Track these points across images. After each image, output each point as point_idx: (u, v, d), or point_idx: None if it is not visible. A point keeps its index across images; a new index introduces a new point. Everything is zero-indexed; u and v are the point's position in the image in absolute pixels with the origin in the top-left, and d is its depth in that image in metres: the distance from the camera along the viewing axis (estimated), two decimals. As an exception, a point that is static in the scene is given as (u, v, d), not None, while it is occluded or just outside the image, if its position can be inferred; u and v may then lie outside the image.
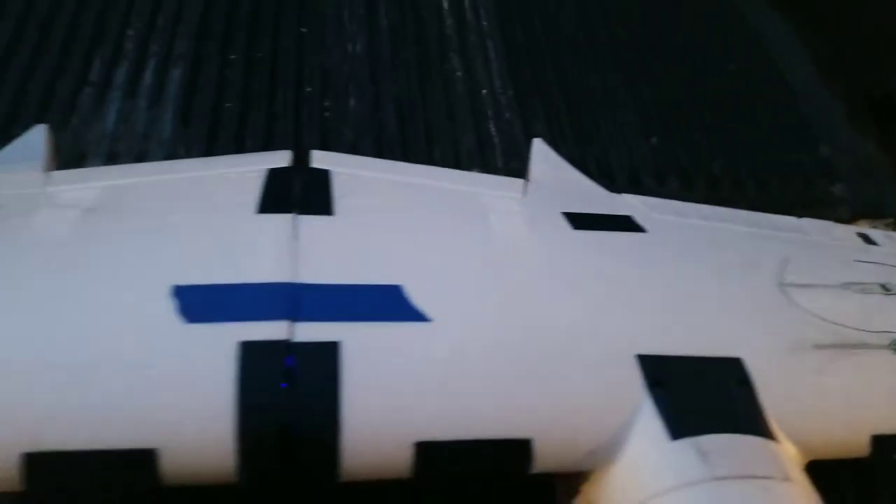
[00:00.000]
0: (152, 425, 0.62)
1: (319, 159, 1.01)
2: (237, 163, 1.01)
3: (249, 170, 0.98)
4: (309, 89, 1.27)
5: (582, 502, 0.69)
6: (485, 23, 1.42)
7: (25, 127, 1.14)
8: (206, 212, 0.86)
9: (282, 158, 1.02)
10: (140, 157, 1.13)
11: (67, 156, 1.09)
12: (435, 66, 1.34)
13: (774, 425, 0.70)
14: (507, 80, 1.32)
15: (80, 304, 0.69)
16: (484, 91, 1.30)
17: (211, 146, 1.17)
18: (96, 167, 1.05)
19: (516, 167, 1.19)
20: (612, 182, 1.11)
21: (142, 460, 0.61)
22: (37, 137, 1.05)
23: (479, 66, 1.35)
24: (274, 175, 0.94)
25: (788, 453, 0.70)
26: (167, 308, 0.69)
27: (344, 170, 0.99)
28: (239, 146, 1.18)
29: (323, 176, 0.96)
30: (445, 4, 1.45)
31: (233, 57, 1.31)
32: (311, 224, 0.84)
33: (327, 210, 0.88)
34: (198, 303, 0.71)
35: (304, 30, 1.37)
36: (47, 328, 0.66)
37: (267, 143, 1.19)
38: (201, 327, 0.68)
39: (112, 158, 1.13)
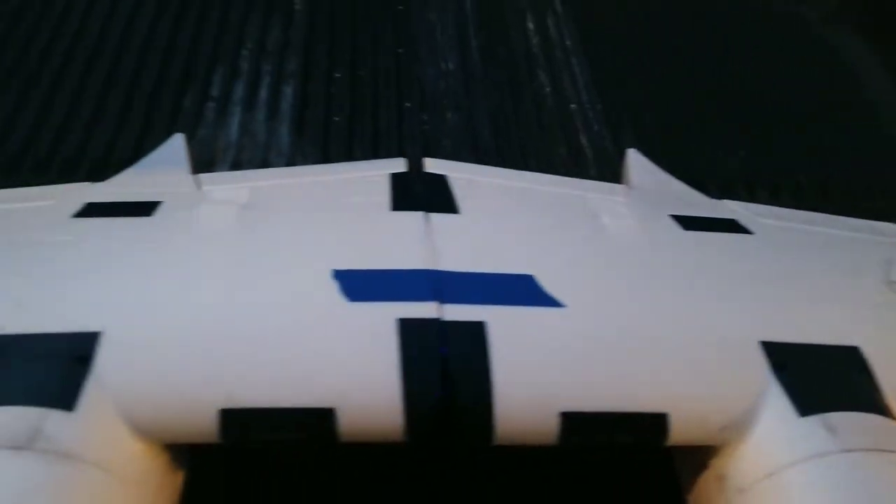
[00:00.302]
0: (330, 387, 0.69)
1: (432, 165, 1.09)
2: (360, 169, 1.09)
3: (373, 174, 1.06)
4: (408, 104, 1.36)
5: (710, 476, 0.74)
6: (568, 42, 1.50)
7: (157, 137, 1.26)
8: (347, 209, 0.95)
9: (398, 165, 1.10)
10: (263, 165, 1.22)
11: (198, 162, 1.18)
12: (524, 81, 1.42)
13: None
14: (594, 94, 1.39)
15: (258, 284, 0.77)
16: (573, 105, 1.37)
17: (325, 155, 1.25)
18: (237, 171, 1.15)
19: (609, 177, 1.25)
20: (704, 192, 1.16)
21: (322, 418, 0.68)
22: (176, 145, 1.16)
23: (566, 81, 1.42)
24: (397, 178, 1.03)
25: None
26: (331, 288, 0.77)
27: (458, 174, 1.07)
28: (349, 156, 1.26)
29: (441, 180, 1.04)
30: (531, 25, 1.53)
31: (337, 75, 1.40)
32: (441, 221, 0.91)
33: (453, 209, 0.95)
34: (356, 285, 0.78)
35: (400, 50, 1.46)
36: (234, 302, 0.74)
37: (374, 153, 1.27)
38: (363, 305, 0.76)
39: (237, 166, 1.22)
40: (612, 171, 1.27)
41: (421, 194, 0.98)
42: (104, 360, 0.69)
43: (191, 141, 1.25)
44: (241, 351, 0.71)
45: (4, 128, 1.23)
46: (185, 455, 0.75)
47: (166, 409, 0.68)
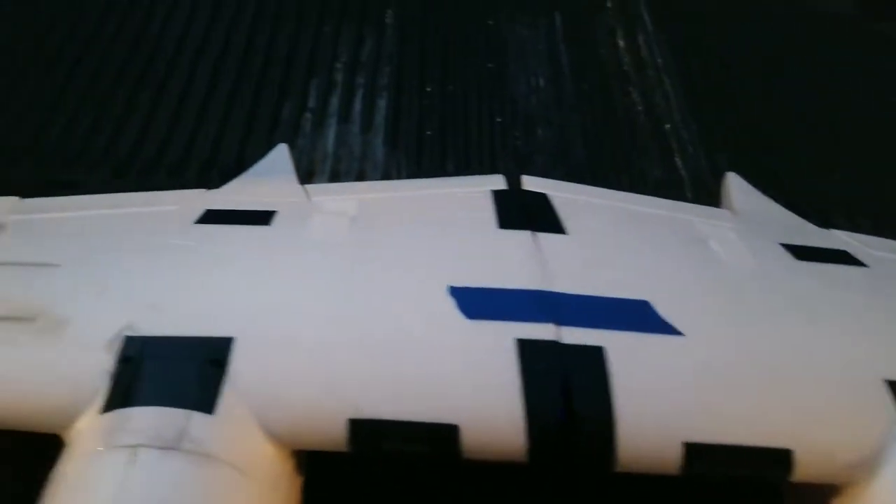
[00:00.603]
0: (454, 404, 0.71)
1: (531, 183, 1.10)
2: (459, 184, 1.10)
3: (474, 190, 1.08)
4: (499, 119, 1.37)
5: (830, 517, 0.73)
6: (660, 60, 1.49)
7: (257, 146, 1.30)
8: (454, 225, 0.96)
9: (497, 182, 1.12)
10: (359, 177, 1.25)
11: (298, 172, 1.20)
12: (616, 99, 1.42)
13: None
14: (688, 115, 1.38)
15: (379, 296, 0.79)
16: (667, 126, 1.36)
17: (419, 168, 1.27)
18: (341, 183, 1.17)
19: (706, 200, 1.24)
20: (805, 218, 1.14)
21: (447, 434, 0.69)
22: (281, 155, 1.19)
23: (659, 100, 1.41)
24: (499, 196, 1.04)
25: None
26: (449, 305, 0.79)
27: (558, 193, 1.07)
28: (442, 169, 1.28)
29: (542, 198, 1.05)
30: (621, 42, 1.53)
31: (429, 89, 1.43)
32: (550, 240, 0.92)
33: (559, 229, 0.96)
34: (473, 302, 0.80)
35: (490, 65, 1.48)
36: (356, 313, 0.76)
37: (466, 167, 1.28)
38: (481, 324, 0.77)
39: (335, 176, 1.25)
40: (707, 194, 1.26)
41: (525, 212, 0.98)
42: (238, 365, 0.72)
43: (290, 150, 1.28)
44: (367, 363, 0.73)
45: (114, 132, 1.28)
46: (304, 461, 0.77)
47: (298, 416, 0.70)
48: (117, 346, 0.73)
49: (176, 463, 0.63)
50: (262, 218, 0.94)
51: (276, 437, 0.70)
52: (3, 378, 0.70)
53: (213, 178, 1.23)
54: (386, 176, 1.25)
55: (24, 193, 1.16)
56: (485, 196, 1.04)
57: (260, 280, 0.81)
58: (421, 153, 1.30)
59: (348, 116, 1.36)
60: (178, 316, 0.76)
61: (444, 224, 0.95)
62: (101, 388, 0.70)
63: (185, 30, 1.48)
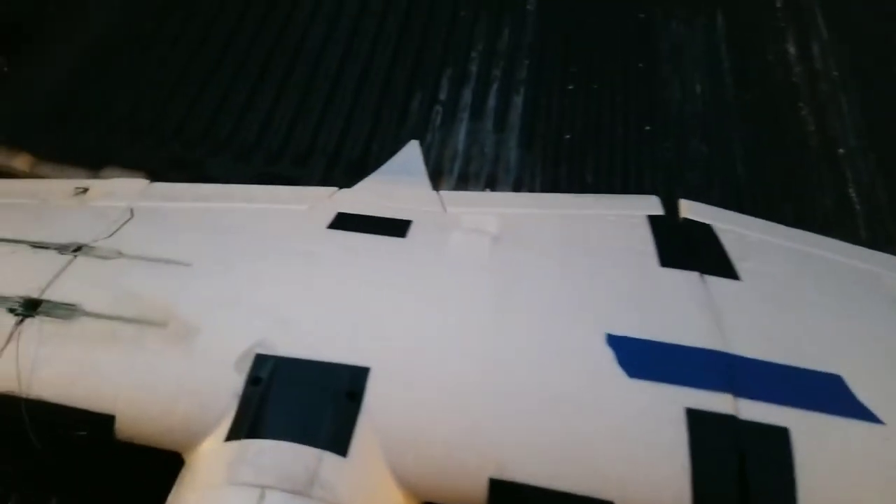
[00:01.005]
0: (610, 476, 0.62)
1: (690, 210, 0.98)
2: (608, 205, 0.99)
3: (627, 214, 0.97)
4: (648, 128, 1.24)
5: None
6: (836, 73, 1.32)
7: (384, 139, 1.23)
8: (609, 257, 0.86)
9: (652, 205, 1.00)
10: (490, 181, 1.17)
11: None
12: (784, 115, 1.26)
13: None
14: (867, 139, 1.21)
15: (527, 339, 0.70)
16: (841, 150, 1.20)
17: (554, 176, 1.17)
18: (477, 193, 1.10)
19: (883, 241, 1.08)
20: None
21: (603, 511, 0.61)
22: (413, 153, 1.12)
23: (833, 120, 1.25)
24: (658, 224, 0.93)
25: None
26: (608, 358, 0.69)
27: (724, 226, 0.95)
28: (580, 179, 1.17)
29: (707, 231, 0.93)
30: (792, 49, 1.36)
31: (570, 87, 1.31)
32: (722, 287, 0.80)
33: (731, 273, 0.84)
34: (635, 357, 0.70)
35: (640, 65, 1.35)
36: (503, 357, 0.68)
37: (607, 180, 1.17)
38: (646, 385, 0.67)
39: (464, 179, 1.17)
40: (885, 235, 1.10)
41: (689, 248, 0.87)
42: (374, 400, 0.65)
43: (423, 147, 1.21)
44: (514, 416, 0.65)
45: (238, 117, 1.25)
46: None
47: (434, 467, 0.63)
48: (247, 365, 0.68)
49: (305, 511, 0.57)
50: (397, 228, 0.87)
51: (406, 487, 0.63)
52: (133, 385, 0.66)
53: (338, 169, 1.18)
54: (518, 182, 1.16)
55: (147, 170, 1.15)
56: (641, 223, 0.93)
57: (399, 304, 0.74)
58: (558, 159, 1.20)
59: (481, 112, 1.27)
60: (310, 336, 0.70)
61: (599, 256, 0.84)
62: (228, 410, 0.66)
63: (312, 15, 1.42)
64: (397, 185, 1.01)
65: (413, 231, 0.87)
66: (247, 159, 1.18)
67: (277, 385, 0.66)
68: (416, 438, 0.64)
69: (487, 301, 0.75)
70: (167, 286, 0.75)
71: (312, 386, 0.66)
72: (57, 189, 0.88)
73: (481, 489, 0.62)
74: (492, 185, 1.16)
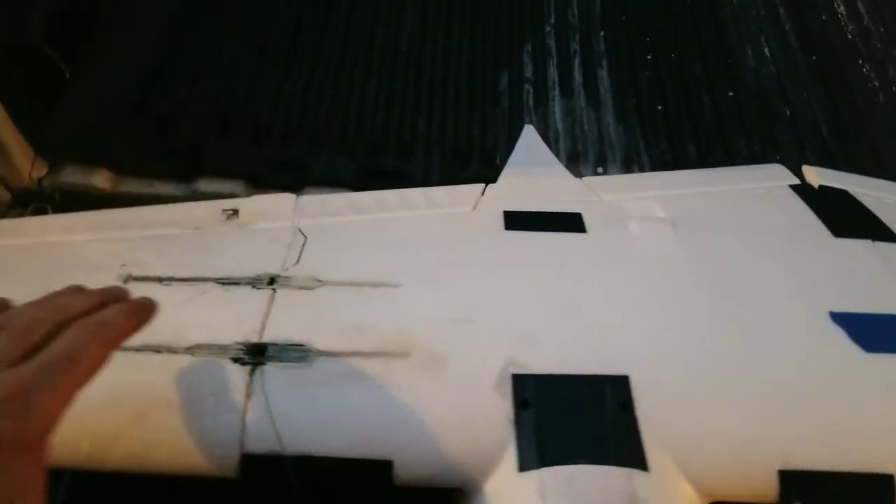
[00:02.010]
0: (885, 451, 0.63)
1: (816, 175, 1.00)
2: (741, 177, 1.01)
3: (772, 186, 0.98)
4: (731, 93, 1.26)
5: None
6: (882, 28, 1.37)
7: (484, 126, 1.19)
8: (784, 231, 0.87)
9: (781, 174, 1.02)
10: (600, 160, 1.15)
11: (535, 155, 1.10)
12: (849, 73, 1.30)
13: None
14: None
15: (757, 326, 0.70)
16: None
17: (659, 151, 1.17)
18: (616, 176, 1.08)
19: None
20: None
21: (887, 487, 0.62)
22: (533, 138, 1.09)
23: (893, 74, 1.30)
24: (807, 194, 0.94)
25: None
26: (841, 335, 0.71)
27: (858, 189, 0.98)
28: (683, 151, 1.17)
29: (849, 197, 0.95)
30: (841, 9, 1.40)
31: (649, 57, 1.31)
32: None
33: (894, 237, 0.87)
34: (865, 332, 0.72)
35: (708, 31, 1.35)
36: (743, 347, 0.68)
37: (709, 151, 1.18)
38: (884, 357, 0.69)
39: (574, 159, 1.15)
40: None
41: (847, 216, 0.89)
42: (644, 408, 0.65)
43: (520, 128, 1.18)
44: (784, 407, 0.65)
45: (328, 110, 1.17)
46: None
47: (722, 467, 0.63)
48: (506, 387, 0.65)
49: (645, 536, 0.56)
50: (573, 223, 0.85)
51: (699, 490, 0.63)
52: (402, 425, 0.62)
53: (445, 157, 1.13)
54: (628, 160, 1.15)
55: (247, 175, 1.07)
56: (789, 194, 0.95)
57: (626, 305, 0.73)
58: (657, 132, 1.19)
59: (571, 88, 1.24)
60: (557, 349, 0.68)
61: (773, 232, 0.85)
62: (506, 437, 0.63)
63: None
64: (539, 176, 0.98)
65: (589, 224, 0.85)
66: (348, 152, 1.11)
67: (548, 405, 0.64)
68: (697, 441, 0.64)
69: (704, 292, 0.75)
70: (388, 312, 0.70)
71: (581, 402, 0.65)
72: (203, 214, 0.80)
73: (772, 482, 0.63)
74: (602, 164, 1.14)
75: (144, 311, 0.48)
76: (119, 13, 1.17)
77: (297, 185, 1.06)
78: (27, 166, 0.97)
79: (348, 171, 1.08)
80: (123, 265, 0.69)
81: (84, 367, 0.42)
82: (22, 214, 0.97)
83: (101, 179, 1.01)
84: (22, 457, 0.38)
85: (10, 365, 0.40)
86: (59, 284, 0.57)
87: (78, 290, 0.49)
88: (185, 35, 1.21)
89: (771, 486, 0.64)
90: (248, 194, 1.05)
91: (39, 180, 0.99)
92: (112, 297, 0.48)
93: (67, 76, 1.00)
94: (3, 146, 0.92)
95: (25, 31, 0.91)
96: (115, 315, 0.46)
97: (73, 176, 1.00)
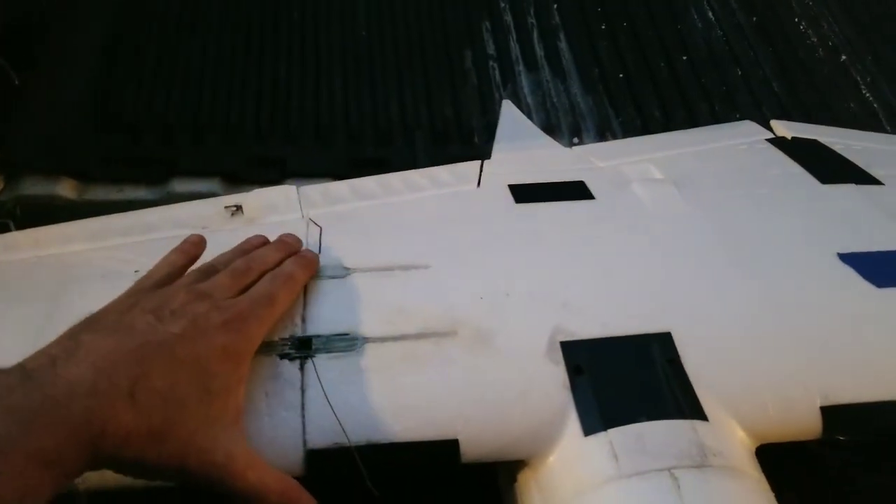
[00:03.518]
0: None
1: (785, 128, 1.05)
2: (719, 136, 1.04)
3: (752, 140, 1.02)
4: (685, 58, 1.30)
5: None
6: (814, -12, 1.44)
7: (458, 106, 1.17)
8: (776, 182, 0.90)
9: (753, 129, 1.06)
10: (575, 131, 1.16)
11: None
12: (789, 31, 1.37)
13: None
14: (858, 43, 1.36)
15: (778, 272, 0.73)
16: (843, 57, 1.33)
17: (628, 117, 1.20)
18: (601, 144, 1.08)
19: (908, 132, 1.23)
20: None
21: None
22: (515, 114, 1.09)
23: (828, 30, 1.37)
24: (785, 146, 0.99)
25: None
26: (853, 274, 0.75)
27: (827, 139, 1.03)
28: (651, 116, 1.20)
29: (822, 146, 1.01)
30: (773, -30, 1.47)
31: (603, 27, 1.33)
32: (880, 194, 0.88)
33: (873, 180, 0.92)
34: (873, 269, 0.76)
35: (652, -2, 1.39)
36: (769, 293, 0.71)
37: (673, 113, 1.22)
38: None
39: (549, 132, 1.15)
40: (905, 126, 1.26)
41: (827, 164, 0.94)
42: (690, 361, 0.66)
43: (493, 105, 1.18)
44: (817, 347, 0.68)
45: (297, 102, 1.13)
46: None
47: (768, 410, 0.66)
48: (557, 355, 0.65)
49: (719, 481, 0.57)
50: (579, 191, 0.86)
51: (751, 434, 0.66)
52: (463, 402, 0.61)
53: (426, 142, 1.11)
54: (602, 128, 1.17)
55: (224, 173, 1.02)
56: (768, 147, 0.99)
57: (651, 263, 0.74)
58: (623, 100, 1.21)
59: (535, 62, 1.25)
60: (596, 313, 0.68)
61: (768, 184, 0.89)
62: (566, 405, 0.63)
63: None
64: (531, 149, 0.98)
65: (594, 191, 0.86)
66: (327, 144, 1.07)
67: (600, 369, 0.65)
68: (742, 387, 0.66)
69: (720, 245, 0.77)
70: (425, 293, 0.68)
71: (632, 362, 0.65)
72: (208, 213, 0.75)
73: (815, 418, 0.66)
74: (577, 134, 1.16)
75: (314, 263, 0.65)
76: (65, 18, 1.08)
77: (277, 178, 1.01)
78: (-18, 181, 0.88)
79: (329, 162, 1.04)
80: (137, 271, 0.64)
81: (278, 307, 0.58)
82: (-19, 233, 0.89)
83: (65, 188, 0.93)
84: (238, 365, 0.52)
85: (233, 295, 0.55)
86: (74, 295, 0.54)
87: (265, 241, 0.66)
88: (136, 35, 1.13)
89: (815, 423, 0.67)
90: (227, 192, 1.00)
91: (-4, 195, 0.90)
92: (292, 249, 0.65)
93: (17, 83, 0.91)
94: (-46, 162, 0.83)
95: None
96: (296, 269, 0.62)
97: (34, 187, 0.91)
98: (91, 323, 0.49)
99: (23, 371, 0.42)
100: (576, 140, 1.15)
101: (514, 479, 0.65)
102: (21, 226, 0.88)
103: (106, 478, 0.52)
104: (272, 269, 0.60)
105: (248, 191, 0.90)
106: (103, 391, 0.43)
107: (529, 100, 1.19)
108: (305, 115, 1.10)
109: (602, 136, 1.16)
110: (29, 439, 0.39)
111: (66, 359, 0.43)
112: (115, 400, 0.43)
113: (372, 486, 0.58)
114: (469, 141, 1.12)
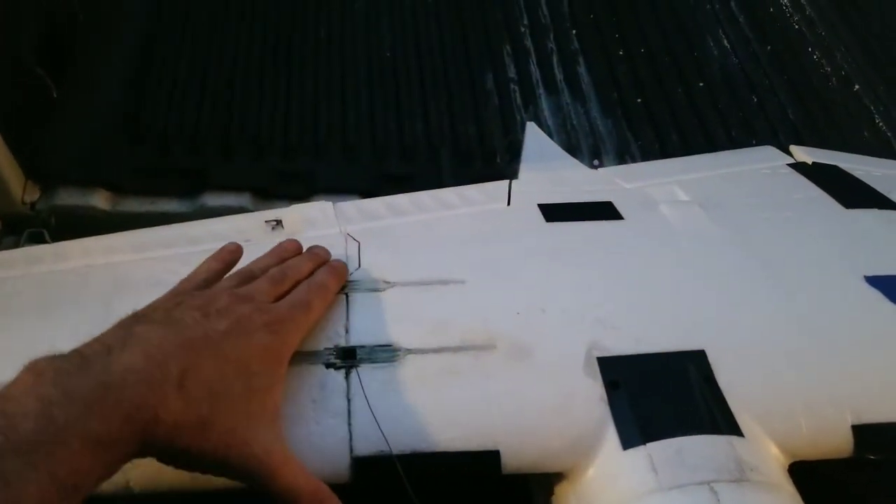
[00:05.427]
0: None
1: (805, 154, 1.07)
2: (742, 160, 1.06)
3: (774, 165, 1.04)
4: (701, 84, 1.32)
5: None
6: (813, 13, 1.48)
7: (481, 126, 1.19)
8: (799, 206, 0.92)
9: (773, 154, 1.08)
10: (595, 153, 1.19)
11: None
12: (803, 60, 1.40)
13: None
14: (870, 73, 1.39)
15: (805, 293, 0.75)
16: (856, 87, 1.36)
17: (646, 141, 1.22)
18: (624, 166, 1.10)
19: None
20: None
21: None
22: (539, 135, 1.10)
23: (840, 60, 1.40)
24: (806, 171, 1.01)
25: None
26: (880, 296, 0.76)
27: (847, 165, 1.05)
28: (669, 140, 1.23)
29: (843, 172, 1.02)
30: (786, 1, 1.50)
31: (621, 53, 1.36)
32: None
33: (893, 205, 0.94)
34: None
35: (667, 24, 1.42)
36: (798, 314, 0.72)
37: (692, 137, 1.24)
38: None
39: (572, 154, 1.17)
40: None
41: (850, 189, 0.96)
42: (726, 379, 0.67)
43: (514, 126, 1.20)
44: (849, 366, 0.69)
45: (325, 118, 1.15)
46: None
47: (801, 428, 0.67)
48: (594, 370, 0.66)
49: (758, 496, 0.58)
50: (608, 211, 0.87)
51: (785, 452, 0.67)
52: (504, 414, 0.62)
53: (448, 160, 1.13)
54: (621, 150, 1.19)
55: (254, 187, 1.03)
56: (790, 172, 1.01)
57: (685, 283, 0.75)
58: (641, 124, 1.24)
59: (555, 86, 1.27)
60: (632, 331, 0.70)
61: (791, 208, 0.91)
62: (604, 419, 0.64)
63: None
64: (558, 169, 0.99)
65: (623, 211, 0.87)
66: (354, 161, 1.09)
67: (637, 385, 0.66)
68: (776, 405, 0.67)
69: (749, 265, 0.79)
70: (463, 307, 0.69)
71: (667, 378, 0.67)
72: (250, 226, 0.77)
73: (847, 437, 0.67)
74: (598, 156, 1.18)
75: (343, 273, 0.68)
76: (97, 31, 1.10)
77: (306, 194, 1.03)
78: (19, 191, 0.89)
79: (357, 178, 1.06)
80: (183, 281, 0.65)
81: (313, 314, 0.60)
82: (16, 241, 0.90)
83: (99, 199, 0.95)
84: (278, 366, 0.55)
85: (271, 301, 0.57)
86: (121, 305, 0.55)
87: (298, 246, 0.68)
88: (165, 48, 1.16)
89: (846, 441, 0.68)
90: (257, 207, 1.02)
91: (32, 205, 0.91)
92: (322, 260, 0.67)
93: (56, 95, 0.93)
94: (-6, 172, 0.85)
95: (17, 51, 0.84)
96: (329, 278, 0.64)
97: (69, 198, 0.93)
98: (141, 317, 0.50)
99: (80, 357, 0.44)
100: (596, 162, 1.17)
101: (551, 493, 0.65)
102: (56, 235, 0.89)
103: (150, 475, 0.53)
104: (305, 278, 0.62)
105: (277, 205, 0.92)
106: (155, 379, 0.44)
107: (550, 122, 1.22)
108: (333, 131, 1.12)
109: (621, 158, 1.18)
110: (86, 423, 0.39)
111: (121, 347, 0.45)
112: (165, 388, 0.44)
113: (413, 496, 0.58)
114: (492, 160, 1.14)
